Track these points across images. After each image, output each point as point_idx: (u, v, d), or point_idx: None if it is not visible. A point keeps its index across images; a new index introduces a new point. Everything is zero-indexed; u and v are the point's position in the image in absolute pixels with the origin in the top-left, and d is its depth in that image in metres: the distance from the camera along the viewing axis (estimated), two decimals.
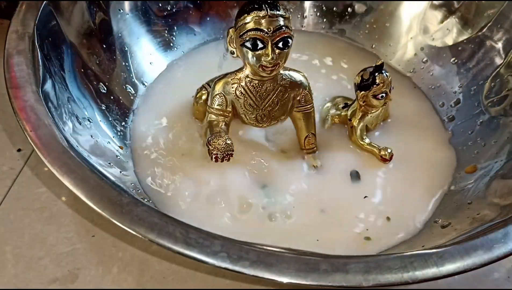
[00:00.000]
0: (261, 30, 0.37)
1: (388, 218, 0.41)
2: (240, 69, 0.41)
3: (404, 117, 0.49)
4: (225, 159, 0.39)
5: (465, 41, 0.51)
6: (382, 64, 0.42)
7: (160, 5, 0.53)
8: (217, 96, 0.42)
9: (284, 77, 0.41)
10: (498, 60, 0.48)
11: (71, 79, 0.42)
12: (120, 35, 0.49)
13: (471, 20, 0.51)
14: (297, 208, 0.41)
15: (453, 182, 0.44)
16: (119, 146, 0.43)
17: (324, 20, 0.58)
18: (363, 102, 0.44)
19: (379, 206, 0.42)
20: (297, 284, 0.27)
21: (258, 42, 0.37)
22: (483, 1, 0.50)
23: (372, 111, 0.45)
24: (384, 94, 0.43)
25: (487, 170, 0.42)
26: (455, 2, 0.52)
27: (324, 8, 0.58)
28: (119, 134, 0.44)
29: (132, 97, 0.49)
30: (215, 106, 0.42)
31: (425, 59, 0.54)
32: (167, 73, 0.52)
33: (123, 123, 0.46)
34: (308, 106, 0.43)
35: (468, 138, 0.47)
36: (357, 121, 0.45)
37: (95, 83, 0.45)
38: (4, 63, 0.38)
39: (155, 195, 0.41)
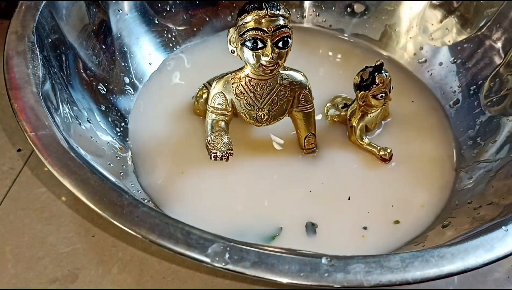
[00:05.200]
0: (261, 30, 0.37)
1: (394, 220, 0.41)
2: (241, 69, 0.41)
3: (404, 117, 0.49)
4: (224, 159, 0.39)
5: (464, 40, 0.51)
6: (381, 64, 0.42)
7: (159, 5, 0.53)
8: (217, 95, 0.42)
9: (284, 76, 0.41)
10: (498, 60, 0.48)
11: (70, 80, 0.42)
12: (119, 35, 0.49)
13: (470, 19, 0.51)
14: (298, 207, 0.42)
15: (453, 182, 0.44)
16: (119, 147, 0.43)
17: (324, 20, 0.58)
18: (362, 102, 0.44)
19: (380, 206, 0.42)
20: (298, 285, 0.27)
21: (258, 42, 0.38)
22: (482, 1, 0.50)
23: (372, 111, 0.45)
24: (383, 94, 0.43)
25: (487, 169, 0.43)
26: (454, 1, 0.52)
27: (323, 7, 0.58)
28: (119, 134, 0.44)
29: (131, 98, 0.49)
30: (215, 105, 0.42)
31: (424, 59, 0.54)
32: (167, 73, 0.52)
33: (123, 124, 0.46)
34: (308, 106, 0.43)
35: (467, 138, 0.47)
36: (357, 121, 0.45)
37: (94, 83, 0.45)
38: (4, 64, 0.38)
39: (156, 195, 0.41)
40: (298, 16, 0.59)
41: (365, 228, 0.40)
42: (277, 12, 0.38)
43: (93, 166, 0.34)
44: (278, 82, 0.41)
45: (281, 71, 0.41)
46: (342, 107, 0.48)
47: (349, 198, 0.42)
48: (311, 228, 0.40)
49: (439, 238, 0.37)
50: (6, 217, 0.42)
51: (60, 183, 0.31)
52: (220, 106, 0.42)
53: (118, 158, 0.41)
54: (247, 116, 0.42)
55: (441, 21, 0.53)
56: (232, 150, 0.39)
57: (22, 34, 0.39)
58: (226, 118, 0.42)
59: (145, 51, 0.52)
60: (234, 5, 0.56)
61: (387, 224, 0.41)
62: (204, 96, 0.46)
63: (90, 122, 0.41)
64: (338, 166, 0.44)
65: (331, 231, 0.40)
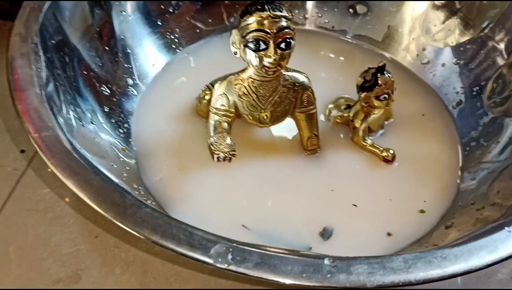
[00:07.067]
0: (264, 31, 0.37)
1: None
2: (243, 70, 0.41)
3: (407, 118, 0.49)
4: (227, 160, 0.39)
5: (467, 41, 0.51)
6: (384, 65, 0.42)
7: (163, 6, 0.53)
8: (220, 96, 0.42)
9: (286, 78, 0.41)
10: (501, 61, 0.48)
11: (74, 81, 0.42)
12: (122, 37, 0.50)
13: (473, 20, 0.51)
14: (300, 207, 0.42)
15: (456, 183, 0.44)
16: (122, 148, 0.43)
17: (326, 21, 0.58)
18: (365, 103, 0.44)
19: (383, 207, 0.42)
20: (301, 286, 0.27)
21: (261, 43, 0.38)
22: (485, 2, 0.50)
23: (375, 112, 0.45)
24: (386, 95, 0.43)
25: (490, 170, 0.42)
26: (457, 2, 0.52)
27: (325, 9, 0.58)
28: (122, 135, 0.44)
29: (134, 99, 0.49)
30: (218, 106, 0.42)
31: (427, 60, 0.54)
32: (169, 74, 0.52)
33: (126, 125, 0.46)
34: (311, 107, 0.43)
35: (470, 139, 0.47)
36: (359, 122, 0.45)
37: (97, 85, 0.45)
38: (8, 65, 0.38)
39: (159, 196, 0.41)
40: (300, 18, 0.59)
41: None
42: (280, 13, 0.38)
43: (96, 167, 0.34)
44: (281, 83, 0.41)
45: (283, 72, 0.41)
46: (345, 108, 0.48)
47: (356, 205, 0.42)
48: (325, 233, 0.40)
49: (442, 239, 0.37)
50: (10, 218, 0.43)
51: (64, 184, 0.31)
52: (223, 107, 0.42)
53: (121, 159, 0.41)
54: (250, 117, 0.42)
55: (443, 22, 0.53)
56: (235, 151, 0.39)
57: (25, 36, 0.40)
58: (229, 119, 0.42)
59: (148, 53, 0.52)
60: (237, 6, 0.56)
61: (389, 225, 0.41)
62: (207, 97, 0.46)
63: (93, 124, 0.41)
64: (341, 167, 0.44)
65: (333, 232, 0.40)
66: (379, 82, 0.42)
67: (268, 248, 0.29)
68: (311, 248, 0.39)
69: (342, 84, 0.51)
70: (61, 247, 0.41)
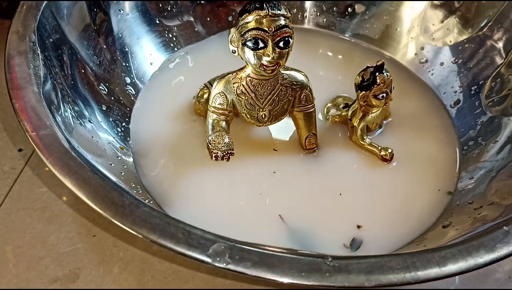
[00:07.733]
0: (262, 30, 0.37)
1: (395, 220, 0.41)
2: (242, 69, 0.41)
3: (405, 117, 0.49)
4: (225, 159, 0.39)
5: (465, 40, 0.51)
6: (382, 64, 0.42)
7: (160, 5, 0.53)
8: (218, 95, 0.42)
9: (285, 76, 0.41)
10: (499, 60, 0.48)
11: (71, 79, 0.42)
12: (120, 35, 0.49)
13: (471, 19, 0.51)
14: (298, 207, 0.42)
15: (454, 182, 0.44)
16: (120, 147, 0.43)
17: (325, 20, 0.58)
18: (363, 102, 0.44)
19: (380, 206, 0.42)
20: (299, 285, 0.27)
21: (259, 42, 0.38)
22: (483, 1, 0.50)
23: (373, 111, 0.45)
24: (384, 94, 0.43)
25: (488, 169, 0.43)
26: (455, 1, 0.52)
27: (324, 8, 0.58)
28: (120, 134, 0.44)
29: (132, 98, 0.49)
30: (216, 105, 0.42)
31: (425, 59, 0.54)
32: (168, 73, 0.52)
33: (124, 124, 0.46)
34: (309, 106, 0.43)
35: (468, 138, 0.47)
36: (358, 121, 0.45)
37: (95, 83, 0.45)
38: (5, 64, 0.38)
39: (157, 195, 0.41)
40: (299, 17, 0.59)
41: (359, 226, 0.41)
42: (278, 12, 0.38)
43: (94, 166, 0.34)
44: (279, 82, 0.41)
45: (282, 71, 0.41)
46: (343, 107, 0.48)
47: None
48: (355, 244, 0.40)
49: (440, 238, 0.37)
50: (7, 217, 0.42)
51: (61, 183, 0.31)
52: (221, 106, 0.42)
53: (119, 158, 0.41)
54: (248, 116, 0.42)
55: (442, 21, 0.53)
56: (233, 150, 0.40)
57: (23, 34, 0.39)
58: (227, 118, 0.42)
59: (146, 51, 0.52)
60: (235, 5, 0.56)
61: (387, 224, 0.41)
62: (205, 96, 0.46)
63: (91, 122, 0.41)
64: (339, 166, 0.44)
65: (326, 229, 0.40)
66: (377, 80, 0.42)
67: (267, 248, 0.29)
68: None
69: (340, 83, 0.51)
70: (58, 246, 0.41)
